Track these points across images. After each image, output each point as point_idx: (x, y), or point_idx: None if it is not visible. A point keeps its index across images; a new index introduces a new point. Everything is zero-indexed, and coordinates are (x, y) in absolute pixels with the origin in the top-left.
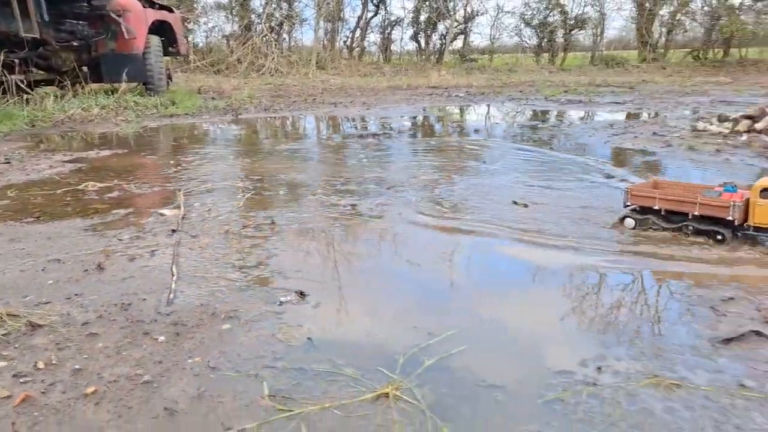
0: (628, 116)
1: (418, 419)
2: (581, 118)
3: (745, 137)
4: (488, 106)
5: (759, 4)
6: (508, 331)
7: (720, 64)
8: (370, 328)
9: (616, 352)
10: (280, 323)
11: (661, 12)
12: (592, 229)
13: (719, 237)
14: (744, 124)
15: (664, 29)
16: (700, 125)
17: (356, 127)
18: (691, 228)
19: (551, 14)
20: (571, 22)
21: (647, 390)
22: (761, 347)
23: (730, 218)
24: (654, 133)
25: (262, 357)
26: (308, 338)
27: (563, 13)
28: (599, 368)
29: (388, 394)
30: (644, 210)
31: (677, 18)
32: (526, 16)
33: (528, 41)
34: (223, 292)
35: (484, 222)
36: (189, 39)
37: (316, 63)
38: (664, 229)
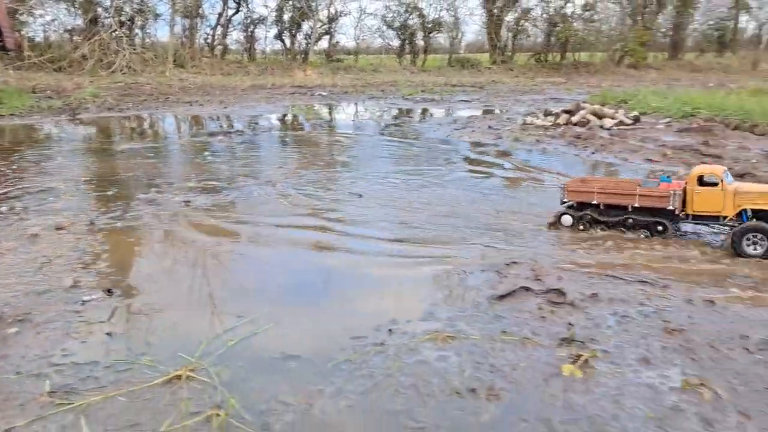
0: (472, 113)
1: (207, 394)
2: (432, 115)
3: (561, 129)
4: (348, 104)
5: (586, 14)
6: (311, 311)
7: (558, 66)
8: (176, 318)
9: (408, 316)
10: (78, 322)
11: (507, 18)
12: (394, 211)
13: (660, 228)
14: (563, 118)
15: (510, 34)
16: (528, 119)
17: (208, 126)
18: (630, 221)
19: (410, 17)
20: (429, 25)
21: (427, 344)
22: (528, 300)
23: (670, 208)
24: (489, 127)
25: (49, 356)
26: (107, 333)
27: (421, 16)
28: (390, 331)
29: (180, 376)
30: (582, 206)
31: (521, 24)
32: (387, 18)
33: (391, 43)
34: (17, 297)
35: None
36: (21, 32)
37: (174, 61)
38: (603, 224)
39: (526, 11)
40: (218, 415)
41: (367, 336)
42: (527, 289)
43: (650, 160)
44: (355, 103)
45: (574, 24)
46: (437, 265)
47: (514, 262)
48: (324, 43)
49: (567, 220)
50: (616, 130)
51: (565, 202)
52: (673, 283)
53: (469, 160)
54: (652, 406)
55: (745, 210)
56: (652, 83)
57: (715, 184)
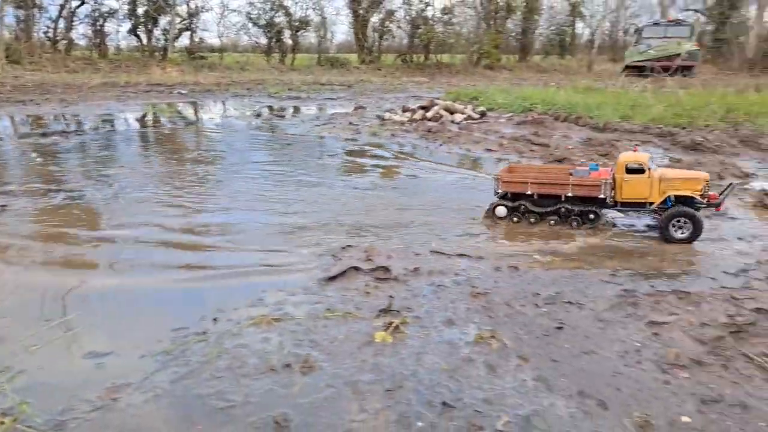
0: (336, 110)
1: None
2: (297, 112)
3: (415, 124)
4: (210, 102)
5: (445, 17)
6: (130, 310)
7: (422, 67)
8: None
9: (235, 304)
10: None
11: (372, 19)
12: (257, 202)
13: (591, 216)
14: (419, 114)
15: (376, 35)
16: (387, 116)
17: (42, 126)
18: (563, 210)
19: (277, 15)
20: (296, 24)
21: (250, 329)
22: (356, 279)
23: (602, 196)
24: (350, 123)
25: None
26: None
27: (288, 14)
28: (215, 320)
29: None
30: (516, 196)
31: (386, 25)
32: (252, 15)
33: (257, 40)
34: None
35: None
36: None
37: (7, 57)
38: (537, 214)
39: (390, 13)
40: (2, 422)
41: (188, 327)
42: (357, 268)
43: (489, 150)
44: (218, 102)
45: (435, 27)
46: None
47: (350, 246)
48: (185, 40)
49: (501, 211)
50: (465, 124)
51: (498, 193)
52: (487, 255)
53: (322, 155)
54: (448, 359)
55: (669, 196)
56: (504, 82)
57: (642, 172)
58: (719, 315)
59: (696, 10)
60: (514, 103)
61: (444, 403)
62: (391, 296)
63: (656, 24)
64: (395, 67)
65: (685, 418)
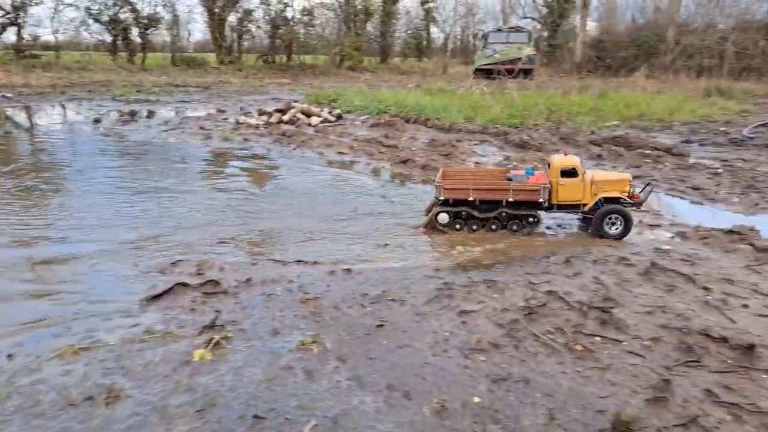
0: (190, 114)
1: None
2: (142, 117)
3: (270, 127)
4: (41, 107)
5: (306, 18)
6: None
7: (285, 68)
8: None
9: (36, 338)
10: None
11: (230, 18)
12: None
13: (531, 219)
14: (276, 117)
15: (235, 34)
16: (242, 119)
17: None
18: (504, 214)
19: (122, 11)
20: (145, 21)
21: (52, 361)
22: (184, 295)
23: (541, 200)
24: (201, 128)
25: None
26: None
27: (134, 10)
28: (9, 356)
29: None
30: (457, 203)
31: (245, 25)
32: (93, 11)
33: (100, 38)
34: None
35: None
36: None
37: None
38: (478, 220)
39: (248, 12)
40: None
41: None
42: (184, 284)
43: (341, 153)
44: (51, 106)
45: (296, 28)
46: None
47: (180, 261)
48: (12, 36)
49: (444, 218)
50: (321, 127)
51: (440, 200)
52: (322, 258)
53: (165, 162)
54: (267, 370)
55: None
56: (365, 84)
57: (576, 175)
58: (518, 300)
59: (533, 18)
60: (370, 105)
61: (255, 416)
62: (217, 311)
63: (499, 30)
64: (257, 68)
65: (476, 399)
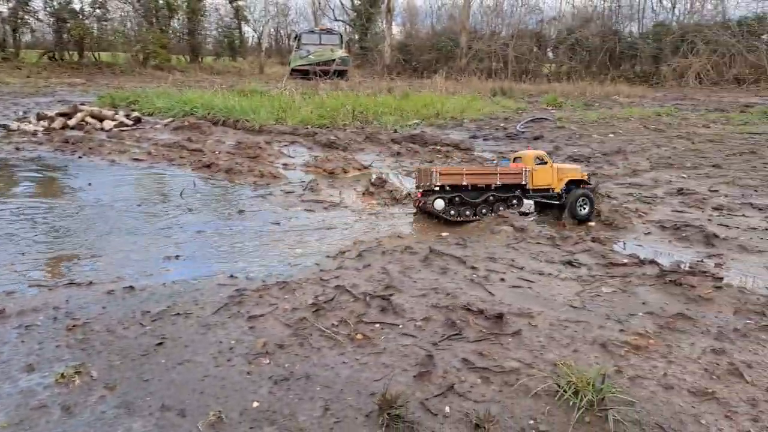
0: None
1: None
2: None
3: (52, 134)
4: None
5: (98, 11)
6: None
7: (78, 66)
8: None
9: None
10: None
11: (1, 9)
12: None
13: (515, 201)
14: (59, 122)
15: (9, 27)
16: (14, 125)
17: None
18: (491, 198)
19: None
20: None
21: None
22: None
23: (523, 183)
24: None
25: None
26: None
27: None
28: None
29: None
30: (453, 188)
31: (21, 16)
32: None
33: None
34: None
35: None
36: None
37: None
38: (470, 205)
39: (23, 3)
40: None
41: None
42: None
43: (136, 159)
44: None
45: (87, 21)
46: None
47: None
48: None
49: (440, 203)
50: (116, 132)
51: (437, 187)
52: (100, 278)
53: None
54: (14, 414)
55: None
56: (173, 84)
57: (546, 163)
58: (308, 297)
59: (343, 21)
60: (174, 107)
61: None
62: None
63: (312, 32)
64: (42, 66)
65: (255, 403)
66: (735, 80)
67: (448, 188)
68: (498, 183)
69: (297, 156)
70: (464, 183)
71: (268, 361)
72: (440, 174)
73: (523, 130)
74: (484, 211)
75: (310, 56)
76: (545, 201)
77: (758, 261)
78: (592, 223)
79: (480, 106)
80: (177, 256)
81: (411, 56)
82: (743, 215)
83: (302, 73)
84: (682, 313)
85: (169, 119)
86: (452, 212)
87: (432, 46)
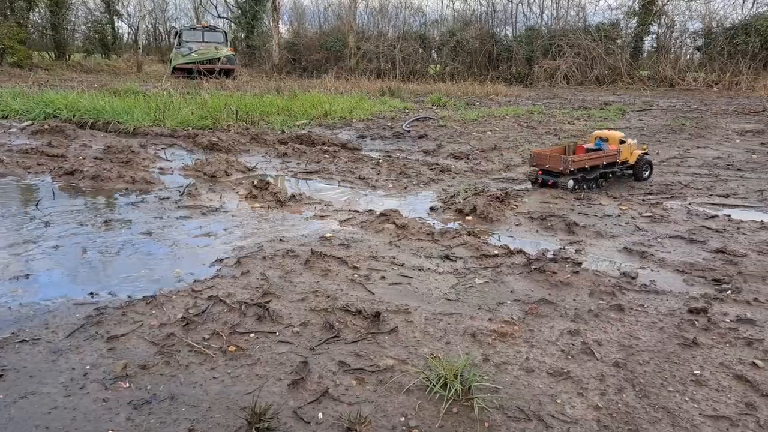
0: None
1: None
2: None
3: None
4: None
5: None
6: None
7: None
8: None
9: None
10: None
11: None
12: None
13: (610, 175)
14: None
15: None
16: None
17: None
18: (599, 175)
19: None
20: None
21: None
22: None
23: (618, 161)
24: None
25: None
26: None
27: None
28: None
29: None
30: (578, 171)
31: None
32: None
33: None
34: None
35: None
36: None
37: None
38: (588, 182)
39: None
40: None
41: None
42: None
43: None
44: None
45: None
46: None
47: None
48: None
49: (571, 183)
50: None
51: (572, 171)
52: None
53: None
54: None
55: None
56: (35, 84)
57: (625, 143)
58: (178, 311)
59: (227, 18)
60: (34, 108)
61: None
62: None
63: (193, 29)
64: None
65: None
66: (596, 80)
67: (575, 171)
68: (604, 162)
69: (175, 159)
70: (586, 166)
71: (127, 385)
72: (573, 161)
73: (408, 129)
74: (594, 186)
75: (192, 54)
76: (626, 172)
77: (611, 245)
78: (470, 218)
79: (368, 106)
80: (27, 276)
81: (300, 56)
82: (599, 203)
83: (186, 72)
84: (545, 299)
85: (28, 123)
86: (576, 188)
87: (321, 45)
